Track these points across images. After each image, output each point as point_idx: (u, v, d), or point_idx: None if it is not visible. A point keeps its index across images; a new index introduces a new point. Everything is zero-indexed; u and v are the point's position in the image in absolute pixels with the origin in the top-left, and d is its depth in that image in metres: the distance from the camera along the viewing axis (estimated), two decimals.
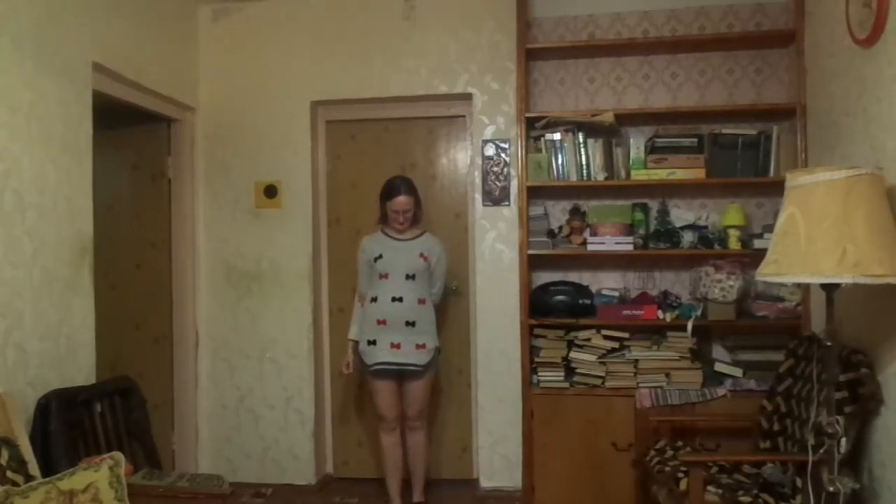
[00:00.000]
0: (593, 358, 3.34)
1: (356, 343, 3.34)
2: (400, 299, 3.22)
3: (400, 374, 3.29)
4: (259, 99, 3.90)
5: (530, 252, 3.45)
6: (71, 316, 2.78)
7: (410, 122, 3.95)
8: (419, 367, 3.25)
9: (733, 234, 3.36)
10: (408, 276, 3.25)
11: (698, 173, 3.36)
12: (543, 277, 3.68)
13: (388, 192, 3.31)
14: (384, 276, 3.26)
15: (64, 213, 2.76)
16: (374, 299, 3.27)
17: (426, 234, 3.40)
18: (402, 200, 3.27)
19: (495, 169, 3.73)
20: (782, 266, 2.03)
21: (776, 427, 2.70)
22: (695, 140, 3.40)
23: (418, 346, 3.24)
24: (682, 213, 3.59)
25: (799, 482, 2.34)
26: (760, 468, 2.60)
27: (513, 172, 3.68)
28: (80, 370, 2.82)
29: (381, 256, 3.27)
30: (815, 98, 3.07)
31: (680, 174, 3.36)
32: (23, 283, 2.51)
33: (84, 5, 2.91)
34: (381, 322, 3.23)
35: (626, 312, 3.38)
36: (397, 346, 3.22)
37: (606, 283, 3.68)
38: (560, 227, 3.61)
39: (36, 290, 2.58)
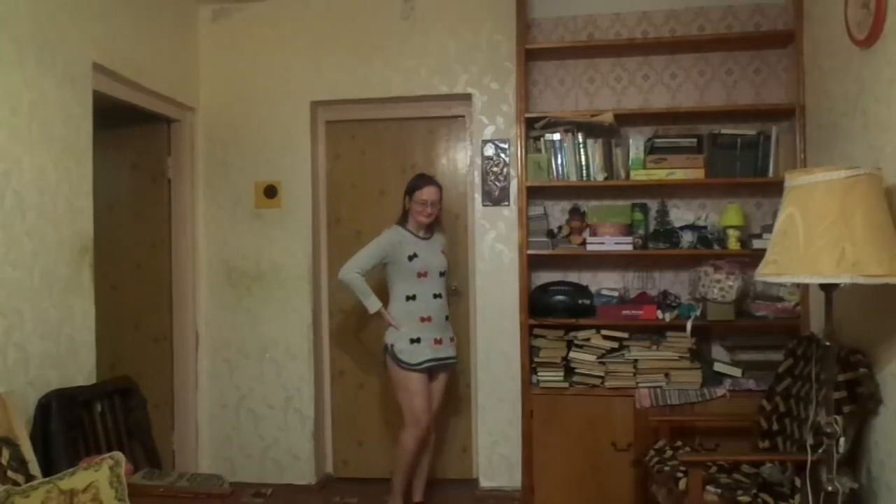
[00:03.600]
0: (593, 358, 3.35)
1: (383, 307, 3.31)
2: (440, 296, 3.32)
3: (434, 371, 3.32)
4: (259, 99, 3.90)
5: (530, 252, 3.45)
6: (71, 316, 2.78)
7: (410, 122, 3.95)
8: (456, 358, 3.41)
9: (732, 235, 3.36)
10: (441, 274, 3.35)
11: (697, 173, 3.36)
12: (543, 277, 3.68)
13: (418, 182, 3.34)
14: (423, 274, 3.27)
15: (64, 213, 2.76)
16: (413, 297, 3.26)
17: (436, 231, 3.47)
18: (432, 190, 3.31)
19: (495, 169, 3.73)
20: (781, 266, 2.03)
21: (775, 427, 2.71)
22: (694, 140, 3.41)
23: (451, 339, 3.38)
24: (681, 214, 3.61)
25: (798, 482, 2.34)
26: (759, 468, 2.61)
27: (512, 172, 3.68)
28: (81, 370, 2.82)
29: (416, 255, 3.27)
30: (814, 98, 3.07)
31: (679, 174, 3.36)
32: (23, 283, 2.51)
33: (84, 5, 2.92)
34: (426, 319, 3.26)
35: (625, 312, 3.38)
36: (439, 342, 3.29)
37: (606, 283, 3.69)
38: (560, 228, 3.61)
39: (36, 290, 2.58)
